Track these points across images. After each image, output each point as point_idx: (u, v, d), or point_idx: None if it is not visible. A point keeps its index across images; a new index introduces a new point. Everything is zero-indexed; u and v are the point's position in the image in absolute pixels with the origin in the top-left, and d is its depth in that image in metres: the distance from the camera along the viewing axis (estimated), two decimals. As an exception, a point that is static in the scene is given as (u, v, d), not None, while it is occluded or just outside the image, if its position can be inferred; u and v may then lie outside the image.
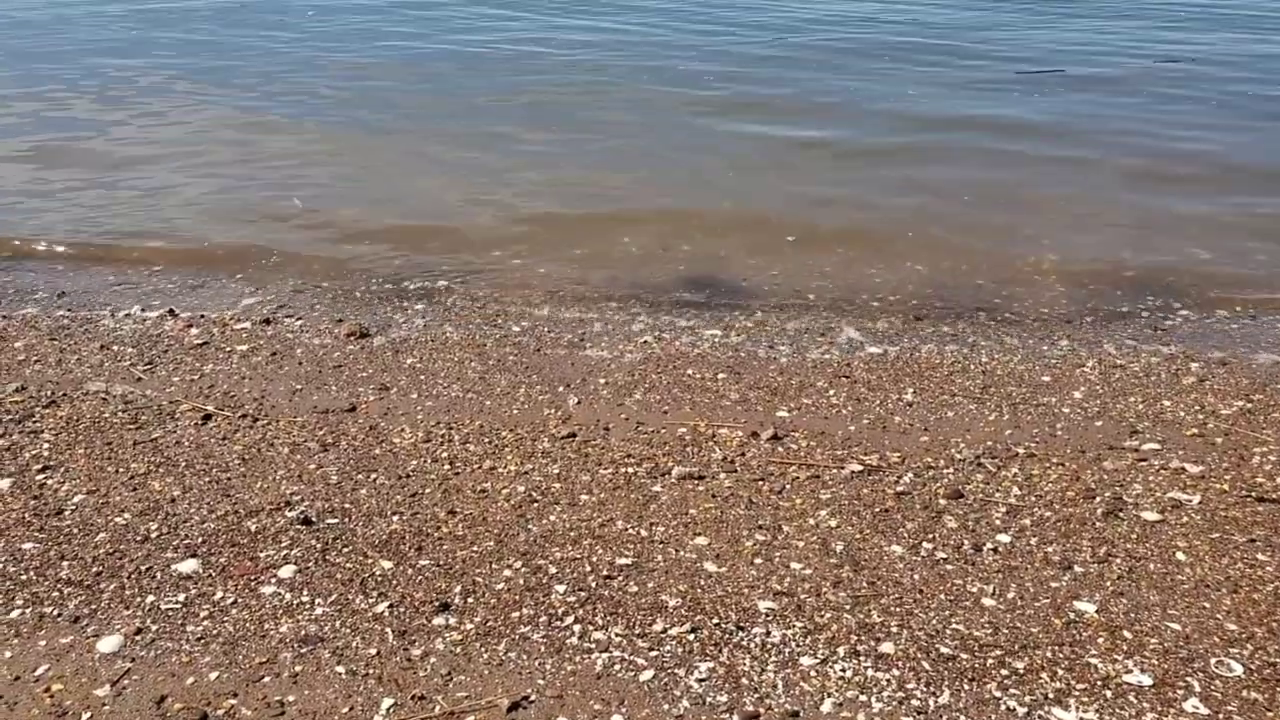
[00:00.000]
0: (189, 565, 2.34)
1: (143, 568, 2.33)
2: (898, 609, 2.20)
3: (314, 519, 2.53)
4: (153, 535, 2.46)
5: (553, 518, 2.55)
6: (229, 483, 2.71)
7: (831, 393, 3.29)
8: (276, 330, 3.82)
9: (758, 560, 2.38)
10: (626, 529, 2.50)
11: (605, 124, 6.75)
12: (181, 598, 2.23)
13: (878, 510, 2.58)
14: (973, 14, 10.40)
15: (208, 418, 3.07)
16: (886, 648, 2.08)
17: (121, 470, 2.76)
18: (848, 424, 3.07)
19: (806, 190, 5.47)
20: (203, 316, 3.94)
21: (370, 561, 2.36)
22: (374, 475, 2.76)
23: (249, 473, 2.76)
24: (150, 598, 2.23)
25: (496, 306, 4.08)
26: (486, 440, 2.96)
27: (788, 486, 2.70)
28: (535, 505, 2.61)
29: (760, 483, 2.72)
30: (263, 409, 3.15)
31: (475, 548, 2.42)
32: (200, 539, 2.44)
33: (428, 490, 2.68)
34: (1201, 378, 3.42)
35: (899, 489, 2.69)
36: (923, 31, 9.59)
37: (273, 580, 2.29)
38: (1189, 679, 1.99)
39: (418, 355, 3.59)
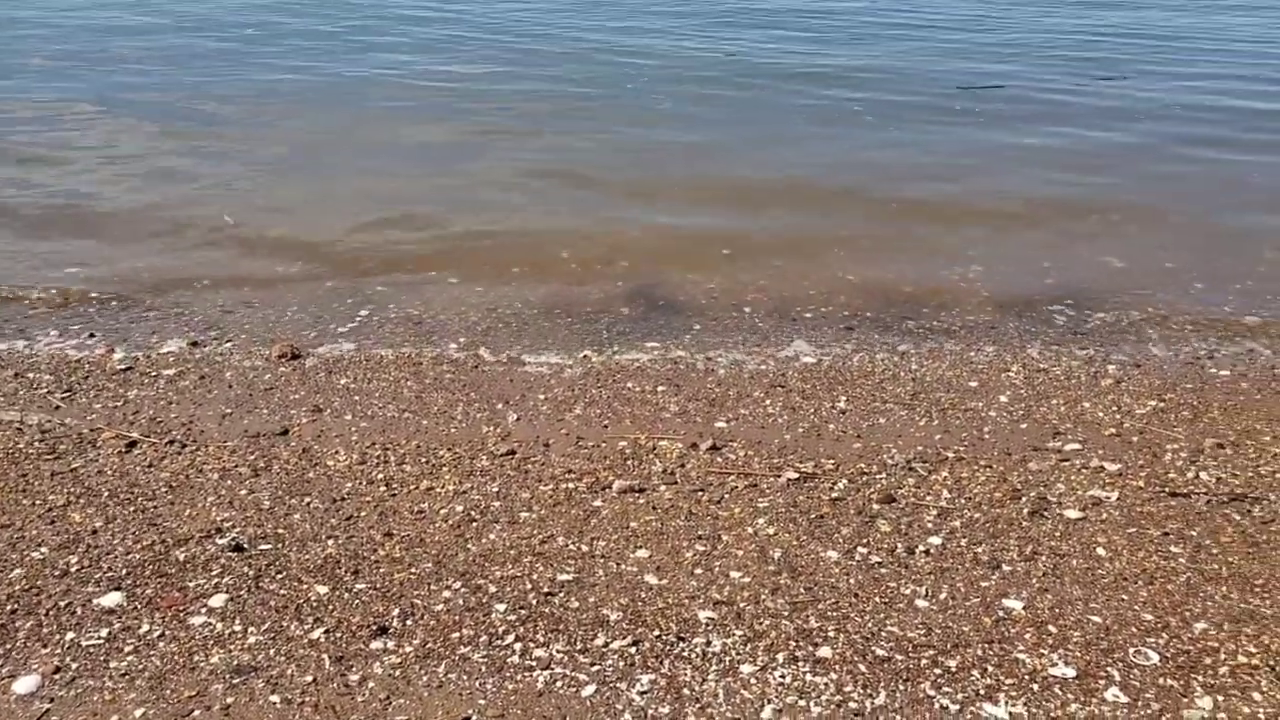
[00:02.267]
0: (112, 599, 2.26)
1: (62, 603, 2.24)
2: (834, 613, 2.24)
3: (246, 545, 2.47)
4: (73, 569, 2.37)
5: (492, 536, 2.53)
6: (155, 511, 2.62)
7: (768, 402, 3.34)
8: (205, 353, 3.72)
9: (698, 571, 2.40)
10: (567, 545, 2.50)
11: (540, 138, 6.76)
12: (104, 633, 2.15)
13: (813, 517, 2.63)
14: (916, 29, 10.74)
15: (132, 445, 2.98)
16: (824, 652, 2.11)
17: (38, 503, 2.66)
18: (784, 433, 3.12)
19: (741, 204, 5.55)
20: (126, 340, 3.82)
21: (305, 587, 2.32)
22: (308, 499, 2.70)
23: (177, 500, 2.68)
24: (70, 634, 2.14)
25: (432, 324, 4.05)
26: (423, 460, 2.93)
27: (726, 496, 2.74)
28: (474, 524, 2.59)
29: (700, 493, 2.75)
30: (191, 434, 3.06)
31: (413, 569, 2.39)
32: (125, 571, 2.36)
33: (363, 513, 2.64)
34: (1118, 379, 3.58)
35: (834, 495, 2.74)
36: (865, 44, 9.86)
37: (203, 610, 2.23)
38: (1109, 669, 2.07)
39: (351, 375, 3.53)
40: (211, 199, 5.43)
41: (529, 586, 2.33)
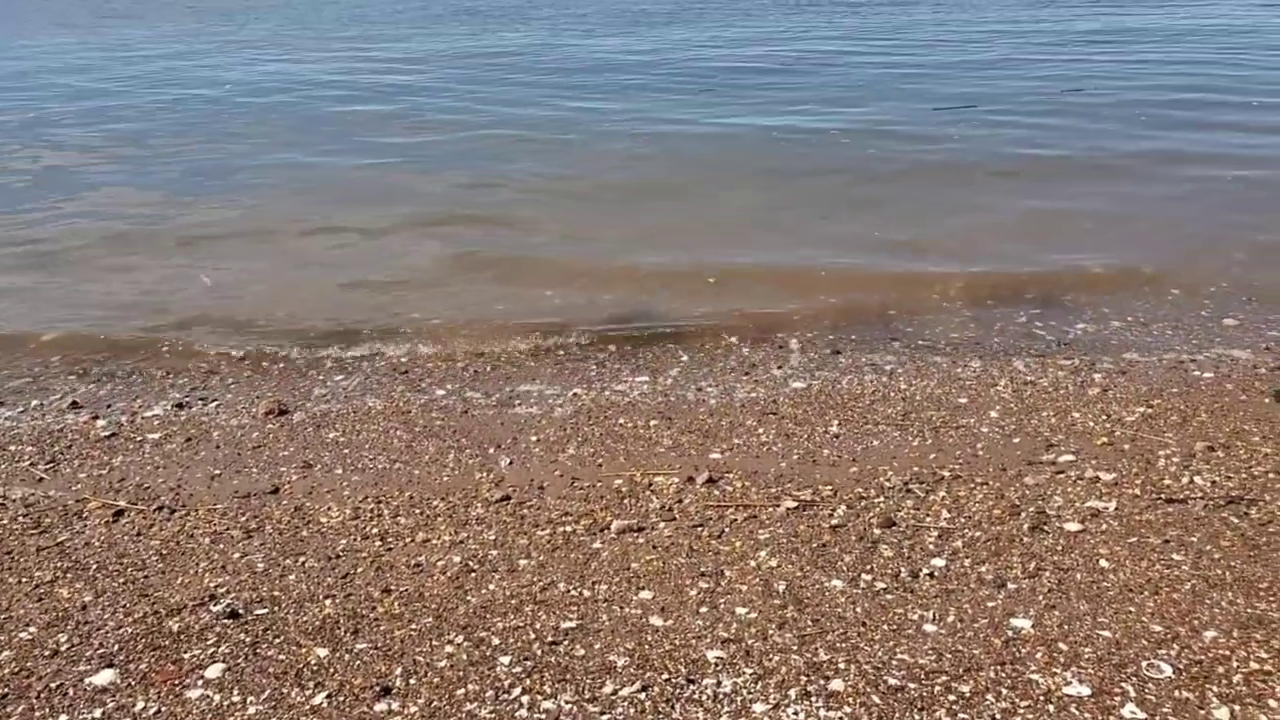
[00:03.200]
0: (105, 676, 2.20)
1: (53, 685, 2.18)
2: (843, 644, 2.21)
3: (241, 611, 2.42)
4: (63, 648, 2.31)
5: (492, 586, 2.49)
6: (146, 581, 2.57)
7: (761, 430, 3.33)
8: (190, 414, 3.67)
9: (703, 609, 2.37)
10: (569, 590, 2.46)
11: (517, 177, 6.78)
12: (98, 713, 2.09)
13: (815, 545, 2.61)
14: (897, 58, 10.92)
15: (120, 514, 2.92)
16: (836, 685, 2.08)
17: (24, 580, 2.59)
18: (779, 461, 3.11)
19: (723, 232, 5.59)
20: (109, 406, 3.77)
21: (304, 650, 2.27)
22: (302, 559, 2.66)
23: (168, 568, 2.63)
24: (63, 717, 2.08)
25: (419, 371, 4.02)
26: (418, 511, 2.89)
27: (726, 530, 2.71)
28: (473, 575, 2.55)
29: (699, 529, 2.72)
30: (179, 499, 3.01)
31: (414, 625, 2.35)
32: (117, 646, 2.30)
33: (360, 569, 2.60)
34: (1105, 388, 3.59)
35: (834, 522, 2.73)
36: (846, 75, 10.01)
37: (199, 682, 2.17)
38: (1124, 685, 2.05)
39: (340, 429, 3.49)
40: (188, 263, 5.40)
41: (532, 636, 2.29)
